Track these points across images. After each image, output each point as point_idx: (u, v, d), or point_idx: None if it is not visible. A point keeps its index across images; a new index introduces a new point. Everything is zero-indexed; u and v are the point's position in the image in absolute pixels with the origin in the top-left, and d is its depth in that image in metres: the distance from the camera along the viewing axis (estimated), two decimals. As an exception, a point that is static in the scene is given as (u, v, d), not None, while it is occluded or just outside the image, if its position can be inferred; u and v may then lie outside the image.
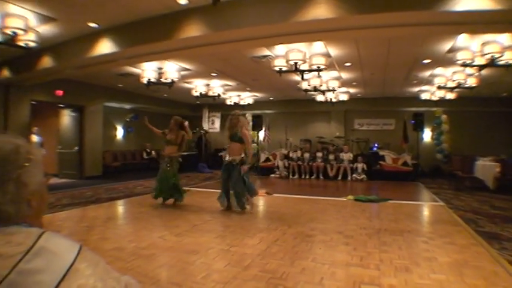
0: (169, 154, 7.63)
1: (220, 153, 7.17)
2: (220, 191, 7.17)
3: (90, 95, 13.08)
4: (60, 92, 11.62)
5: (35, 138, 10.31)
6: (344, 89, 14.06)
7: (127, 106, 16.39)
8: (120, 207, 7.82)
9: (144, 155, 16.79)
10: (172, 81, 10.52)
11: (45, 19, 6.88)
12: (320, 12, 5.74)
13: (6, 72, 9.54)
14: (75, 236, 5.01)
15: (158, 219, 6.25)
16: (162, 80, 10.54)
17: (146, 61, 9.22)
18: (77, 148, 12.97)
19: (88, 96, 12.99)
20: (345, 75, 11.74)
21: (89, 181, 11.96)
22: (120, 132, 16.38)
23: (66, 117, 13.42)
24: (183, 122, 7.82)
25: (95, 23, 7.29)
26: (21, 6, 6.26)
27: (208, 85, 13.44)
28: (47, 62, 8.63)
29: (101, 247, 4.47)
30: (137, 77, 10.87)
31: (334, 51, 8.92)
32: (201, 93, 13.39)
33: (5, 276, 0.80)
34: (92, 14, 6.88)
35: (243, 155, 6.91)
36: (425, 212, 7.66)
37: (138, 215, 6.67)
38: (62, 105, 12.99)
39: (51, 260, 0.86)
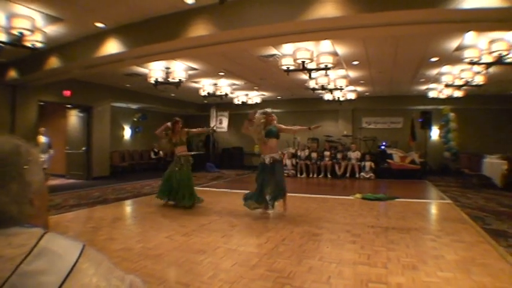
0: (180, 153, 7.66)
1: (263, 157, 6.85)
2: (248, 193, 6.90)
3: (98, 95, 13.15)
4: (67, 93, 11.68)
5: (42, 138, 10.34)
6: (352, 88, 13.99)
7: (134, 106, 16.46)
8: (128, 207, 7.86)
9: (152, 155, 16.85)
10: (180, 81, 10.53)
11: (52, 19, 6.91)
12: (327, 11, 5.73)
13: (13, 73, 9.59)
14: (82, 237, 5.05)
15: (165, 219, 6.28)
16: (170, 79, 10.55)
17: (153, 61, 9.21)
18: (84, 148, 13.03)
19: (95, 97, 13.05)
20: (352, 73, 11.70)
21: (97, 181, 12.02)
22: (127, 132, 16.46)
23: (74, 118, 13.49)
24: (183, 124, 7.96)
25: (102, 23, 7.31)
26: (28, 7, 6.28)
27: (215, 84, 13.43)
28: (54, 62, 8.67)
29: (108, 247, 4.51)
30: (144, 76, 10.89)
31: (341, 49, 8.89)
32: (208, 92, 13.38)
33: (6, 279, 0.80)
34: (98, 14, 6.90)
35: (280, 152, 6.84)
36: (433, 210, 7.63)
37: (145, 215, 6.70)
38: (69, 106, 13.06)
39: (54, 260, 0.86)
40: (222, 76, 12.31)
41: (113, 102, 14.29)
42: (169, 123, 7.65)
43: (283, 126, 7.00)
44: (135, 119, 16.54)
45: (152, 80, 10.43)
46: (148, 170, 15.92)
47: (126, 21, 7.29)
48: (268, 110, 6.99)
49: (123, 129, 16.26)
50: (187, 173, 7.55)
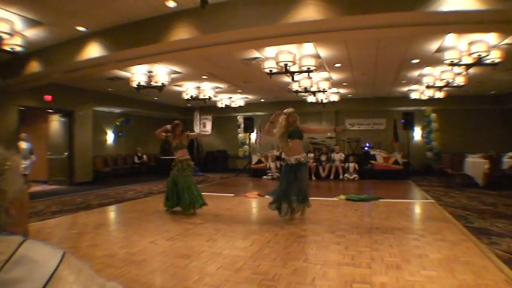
0: (181, 158, 7.34)
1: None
2: (272, 198, 6.60)
3: (80, 99, 12.98)
4: (48, 97, 11.52)
5: (24, 144, 10.17)
6: (335, 90, 14.12)
7: (117, 110, 16.27)
8: (111, 213, 7.76)
9: (136, 160, 16.69)
10: (163, 85, 10.47)
11: (31, 23, 6.82)
12: (309, 14, 5.77)
13: (-8, 78, 9.41)
14: (65, 244, 4.99)
15: (149, 224, 6.21)
16: (152, 83, 10.47)
17: (136, 64, 9.16)
18: (66, 154, 12.86)
19: (77, 101, 12.89)
20: (335, 76, 11.79)
21: (79, 187, 11.85)
22: (110, 137, 16.26)
23: (56, 123, 13.28)
24: (183, 128, 7.68)
25: (83, 26, 7.24)
26: (7, 10, 6.17)
27: (199, 88, 13.40)
28: (34, 66, 8.56)
29: (92, 254, 4.45)
30: (127, 80, 10.79)
31: (323, 52, 8.95)
32: (191, 96, 13.35)
33: None
34: (79, 18, 6.83)
35: (304, 153, 6.52)
36: (416, 209, 7.71)
37: (129, 221, 6.63)
38: (50, 111, 12.85)
39: (33, 268, 0.85)
40: (205, 79, 12.28)
41: (95, 106, 14.11)
42: (168, 126, 7.42)
43: (307, 127, 6.90)
44: (117, 123, 16.34)
45: (135, 84, 10.36)
46: (132, 175, 15.78)
47: (108, 25, 7.24)
48: (290, 110, 6.66)
49: (105, 133, 16.06)
50: (189, 177, 7.26)
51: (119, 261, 4.14)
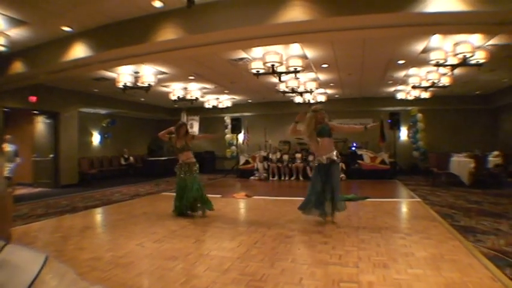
0: (186, 160, 7.10)
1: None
2: (306, 200, 6.20)
3: (65, 100, 12.85)
4: (33, 98, 11.36)
5: (8, 146, 10.00)
6: (322, 90, 14.19)
7: (103, 111, 16.12)
8: (97, 215, 7.67)
9: (122, 161, 16.57)
10: (149, 85, 10.40)
11: (15, 22, 6.72)
12: (295, 14, 5.78)
13: (-25, 79, 9.25)
14: (50, 247, 4.92)
15: (136, 227, 6.14)
16: (139, 84, 10.41)
17: (122, 65, 9.09)
18: (52, 156, 12.70)
19: (63, 102, 12.75)
20: (322, 76, 11.83)
21: (65, 190, 11.70)
22: (96, 138, 16.10)
23: (41, 124, 13.13)
24: (187, 129, 7.48)
25: (69, 26, 7.17)
26: (-11, 9, 6.09)
27: (185, 88, 13.36)
28: (18, 67, 8.44)
29: (77, 257, 4.39)
30: (113, 81, 10.69)
31: (310, 53, 8.98)
32: (178, 96, 13.30)
33: None
34: (65, 18, 6.76)
35: (335, 151, 6.24)
36: (403, 208, 7.77)
37: (115, 223, 6.56)
38: (35, 112, 12.70)
39: (14, 273, 0.83)
40: (192, 80, 12.23)
41: (81, 107, 13.98)
42: (172, 128, 7.24)
43: (336, 124, 6.67)
44: (103, 125, 16.19)
45: (121, 85, 10.27)
46: (119, 177, 15.63)
47: (94, 25, 7.18)
48: (318, 107, 6.30)
49: (91, 135, 15.90)
50: (196, 179, 7.00)
51: (105, 264, 4.09)
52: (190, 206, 6.95)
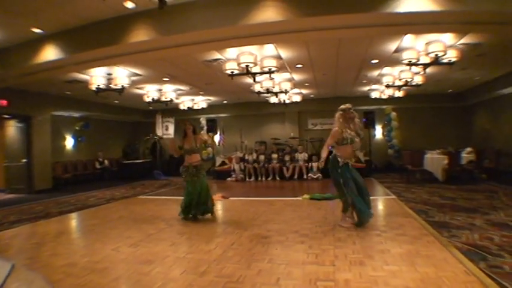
0: (194, 163, 6.78)
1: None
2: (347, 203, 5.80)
3: (37, 104, 12.57)
4: (3, 102, 11.06)
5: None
6: (297, 90, 14.26)
7: (76, 114, 15.79)
8: (72, 220, 7.53)
9: (97, 165, 16.28)
10: (123, 87, 10.28)
11: (-19, 24, 6.54)
12: (268, 15, 5.80)
13: None
14: (24, 254, 4.83)
15: (112, 231, 6.04)
16: (112, 86, 10.27)
17: (94, 67, 8.91)
18: (25, 161, 12.41)
19: (35, 106, 12.47)
20: (297, 76, 11.88)
21: (39, 195, 11.47)
22: (70, 142, 15.76)
23: (12, 129, 12.80)
24: (195, 127, 7.06)
25: (39, 28, 7.02)
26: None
27: (160, 90, 13.25)
28: (-14, 70, 8.22)
29: (52, 264, 4.31)
30: (86, 83, 10.51)
31: (285, 53, 9.00)
32: (153, 98, 13.18)
33: None
34: (34, 19, 6.61)
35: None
36: (379, 206, 7.85)
37: (91, 228, 6.44)
38: (6, 116, 12.38)
39: None
40: (166, 82, 12.13)
41: (54, 111, 13.68)
42: (177, 141, 6.86)
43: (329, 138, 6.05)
44: (77, 128, 15.88)
45: (94, 87, 10.10)
46: (94, 181, 15.39)
47: (65, 27, 7.06)
48: (347, 105, 5.96)
49: (65, 139, 15.55)
50: (204, 183, 6.78)
51: (81, 270, 4.02)
52: (198, 210, 6.70)
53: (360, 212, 5.54)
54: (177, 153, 6.86)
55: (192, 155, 6.76)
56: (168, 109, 16.07)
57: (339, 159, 5.81)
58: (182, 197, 6.92)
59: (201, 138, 6.95)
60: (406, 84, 11.43)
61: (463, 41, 8.11)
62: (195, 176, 6.73)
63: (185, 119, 6.92)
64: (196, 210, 6.68)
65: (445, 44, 8.06)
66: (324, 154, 6.00)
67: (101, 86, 10.16)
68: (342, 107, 5.92)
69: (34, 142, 12.56)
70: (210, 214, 6.84)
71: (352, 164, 5.84)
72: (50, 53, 7.43)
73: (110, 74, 10.22)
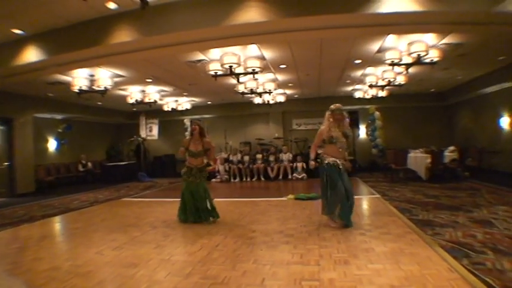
0: (198, 166, 6.57)
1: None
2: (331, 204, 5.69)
3: (19, 106, 12.38)
4: (-16, 105, 10.89)
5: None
6: (281, 91, 14.31)
7: (59, 116, 15.58)
8: (56, 224, 7.41)
9: (80, 168, 16.08)
10: (106, 89, 10.19)
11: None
12: (251, 15, 5.81)
13: None
14: (6, 259, 4.74)
15: (95, 234, 5.97)
16: (95, 87, 10.17)
17: (77, 68, 8.83)
18: (6, 164, 12.20)
19: (16, 108, 12.28)
20: (280, 77, 11.91)
21: (22, 199, 11.27)
22: (52, 145, 15.54)
23: (-7, 131, 12.56)
24: (203, 129, 6.71)
25: (20, 29, 6.94)
26: None
27: (143, 91, 13.16)
28: (-34, 72, 8.08)
29: (35, 268, 4.24)
30: (68, 85, 10.38)
31: (268, 53, 9.02)
32: (136, 100, 13.07)
33: None
34: (15, 20, 6.53)
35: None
36: (363, 205, 7.91)
37: (74, 231, 6.36)
38: (-13, 119, 12.16)
39: None
40: (150, 83, 12.06)
41: (36, 112, 13.48)
42: (183, 148, 6.58)
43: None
44: (59, 130, 15.66)
45: (76, 89, 9.99)
46: (77, 184, 15.20)
47: (47, 28, 6.99)
48: (336, 105, 5.93)
49: (47, 141, 15.33)
50: (203, 186, 6.55)
51: (64, 274, 3.96)
52: (196, 214, 6.45)
53: (342, 218, 5.56)
54: (182, 154, 6.70)
55: (197, 158, 6.57)
56: (151, 110, 15.97)
57: (327, 158, 5.75)
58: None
59: (208, 142, 6.62)
60: (389, 84, 11.55)
61: (445, 41, 8.22)
62: (198, 178, 6.52)
63: (195, 119, 6.55)
64: (195, 216, 6.44)
65: (427, 44, 8.17)
66: (312, 155, 6.04)
67: (84, 88, 10.06)
68: (332, 107, 5.91)
69: (16, 145, 12.36)
70: (212, 218, 6.51)
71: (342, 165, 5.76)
72: (31, 55, 7.34)
73: (92, 76, 10.11)
